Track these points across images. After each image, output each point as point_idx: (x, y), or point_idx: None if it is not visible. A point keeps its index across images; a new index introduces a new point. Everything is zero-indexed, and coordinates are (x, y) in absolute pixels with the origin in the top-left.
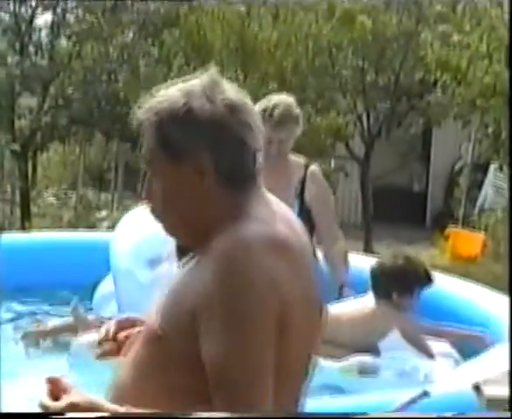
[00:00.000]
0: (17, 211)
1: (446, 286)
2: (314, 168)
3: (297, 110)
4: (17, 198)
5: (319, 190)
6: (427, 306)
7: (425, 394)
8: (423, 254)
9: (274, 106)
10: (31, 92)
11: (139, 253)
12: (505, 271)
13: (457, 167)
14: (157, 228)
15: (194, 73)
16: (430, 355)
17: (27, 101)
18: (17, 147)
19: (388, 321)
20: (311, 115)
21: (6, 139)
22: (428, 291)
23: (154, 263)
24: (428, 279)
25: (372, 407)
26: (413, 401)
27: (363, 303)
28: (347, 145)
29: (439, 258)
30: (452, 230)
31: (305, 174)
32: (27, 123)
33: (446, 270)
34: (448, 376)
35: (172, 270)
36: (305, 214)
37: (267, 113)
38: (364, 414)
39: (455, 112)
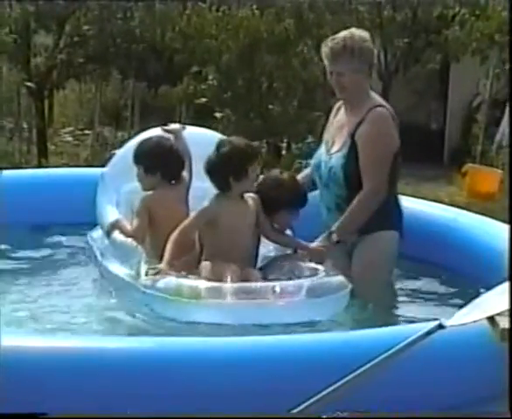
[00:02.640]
0: (34, 149)
1: (464, 223)
2: (378, 109)
3: (359, 43)
4: (34, 136)
5: (369, 131)
6: (444, 243)
7: (441, 326)
8: (441, 191)
9: (333, 38)
10: (47, 30)
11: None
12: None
13: (475, 103)
14: None
15: (209, 11)
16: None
17: (43, 39)
18: (32, 85)
19: None
20: None
21: (22, 77)
22: (444, 228)
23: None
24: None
25: (385, 340)
26: (428, 334)
27: None
28: None
29: (456, 196)
30: (469, 167)
31: (366, 114)
32: (43, 61)
33: (464, 207)
34: (463, 309)
35: None
36: (354, 155)
37: (326, 45)
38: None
39: (473, 47)
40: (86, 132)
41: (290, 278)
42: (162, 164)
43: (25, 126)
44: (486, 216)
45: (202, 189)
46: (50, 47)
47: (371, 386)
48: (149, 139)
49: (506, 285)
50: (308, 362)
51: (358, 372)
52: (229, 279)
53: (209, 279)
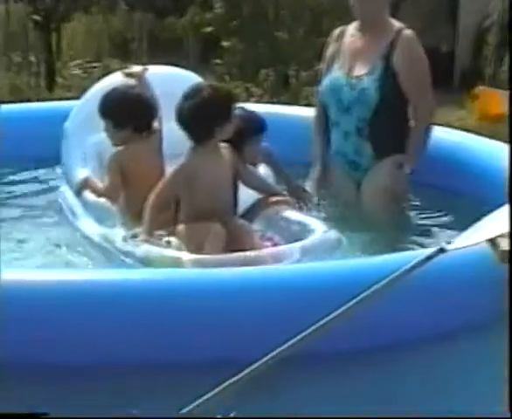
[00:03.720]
0: (42, 82)
1: (476, 147)
2: (408, 32)
3: None
4: (42, 69)
5: (408, 55)
6: (451, 167)
7: (442, 250)
8: (451, 115)
9: None
10: None
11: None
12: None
13: (485, 25)
14: None
15: None
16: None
17: None
18: (39, 18)
19: None
20: None
21: (28, 10)
22: (456, 153)
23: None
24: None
25: (388, 266)
26: (429, 259)
27: None
28: None
29: (467, 119)
30: (479, 89)
31: (396, 37)
32: None
33: (474, 131)
34: (464, 233)
35: None
36: (390, 77)
37: None
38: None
39: None
40: (94, 64)
41: (277, 234)
42: (133, 116)
43: (33, 59)
44: (495, 139)
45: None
46: None
47: (371, 313)
48: (115, 89)
49: (506, 207)
50: (307, 290)
51: (358, 298)
52: (213, 244)
53: (190, 245)
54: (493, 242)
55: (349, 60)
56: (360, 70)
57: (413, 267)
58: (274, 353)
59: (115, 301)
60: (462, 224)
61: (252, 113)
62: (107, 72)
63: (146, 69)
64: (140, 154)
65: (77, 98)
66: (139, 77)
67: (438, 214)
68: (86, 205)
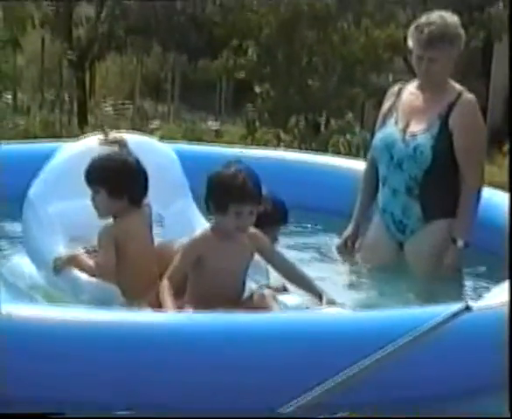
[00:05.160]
0: (75, 121)
1: (499, 202)
2: (469, 96)
3: (454, 30)
4: (75, 108)
5: (466, 118)
6: (487, 226)
7: (468, 308)
8: None
9: (428, 24)
10: (89, 1)
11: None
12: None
13: None
14: None
15: None
16: None
17: (85, 10)
18: (74, 56)
19: None
20: (369, 28)
21: (64, 48)
22: (486, 210)
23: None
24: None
25: (413, 320)
26: (455, 316)
27: None
28: (405, 59)
29: (497, 176)
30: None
31: (456, 98)
32: (84, 32)
33: (504, 188)
34: (490, 292)
35: None
36: (446, 138)
37: (419, 30)
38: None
39: None
40: (127, 104)
41: None
42: (131, 186)
43: (67, 97)
44: None
45: None
46: (92, 18)
47: (395, 368)
48: (108, 155)
49: None
50: (332, 340)
51: (382, 353)
52: None
53: None
54: None
55: (406, 117)
56: (416, 127)
57: (438, 324)
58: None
59: None
60: (490, 282)
61: (281, 202)
62: (138, 112)
63: (124, 138)
64: (135, 229)
65: None
66: (122, 144)
67: (466, 270)
68: (77, 286)
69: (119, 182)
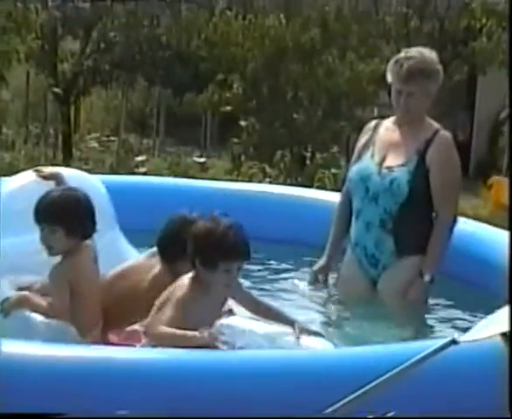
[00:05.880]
0: (60, 155)
1: (490, 237)
2: (446, 133)
3: (433, 65)
4: (60, 142)
5: (442, 155)
6: (472, 258)
7: (454, 342)
8: (466, 204)
9: (407, 58)
10: (74, 36)
11: None
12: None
13: (502, 116)
14: None
15: (235, 19)
16: None
17: (70, 45)
18: (59, 91)
19: None
20: (354, 62)
21: (49, 83)
22: (471, 242)
23: None
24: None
25: (398, 355)
26: (441, 350)
27: None
28: (390, 93)
29: (481, 209)
30: (495, 179)
31: (433, 135)
32: (69, 67)
33: (489, 221)
34: (476, 325)
35: None
36: (423, 172)
37: (398, 64)
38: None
39: (500, 59)
40: (112, 138)
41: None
42: (85, 224)
43: (51, 131)
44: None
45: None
46: (76, 53)
47: (381, 401)
48: (61, 193)
49: None
50: (317, 377)
51: (368, 387)
52: None
53: None
54: (505, 336)
55: (382, 151)
56: (392, 161)
57: (425, 357)
58: None
59: None
60: (475, 316)
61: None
62: (124, 146)
63: (60, 172)
64: (85, 266)
65: (93, 171)
66: (59, 179)
67: (449, 303)
68: (30, 327)
69: (77, 220)
